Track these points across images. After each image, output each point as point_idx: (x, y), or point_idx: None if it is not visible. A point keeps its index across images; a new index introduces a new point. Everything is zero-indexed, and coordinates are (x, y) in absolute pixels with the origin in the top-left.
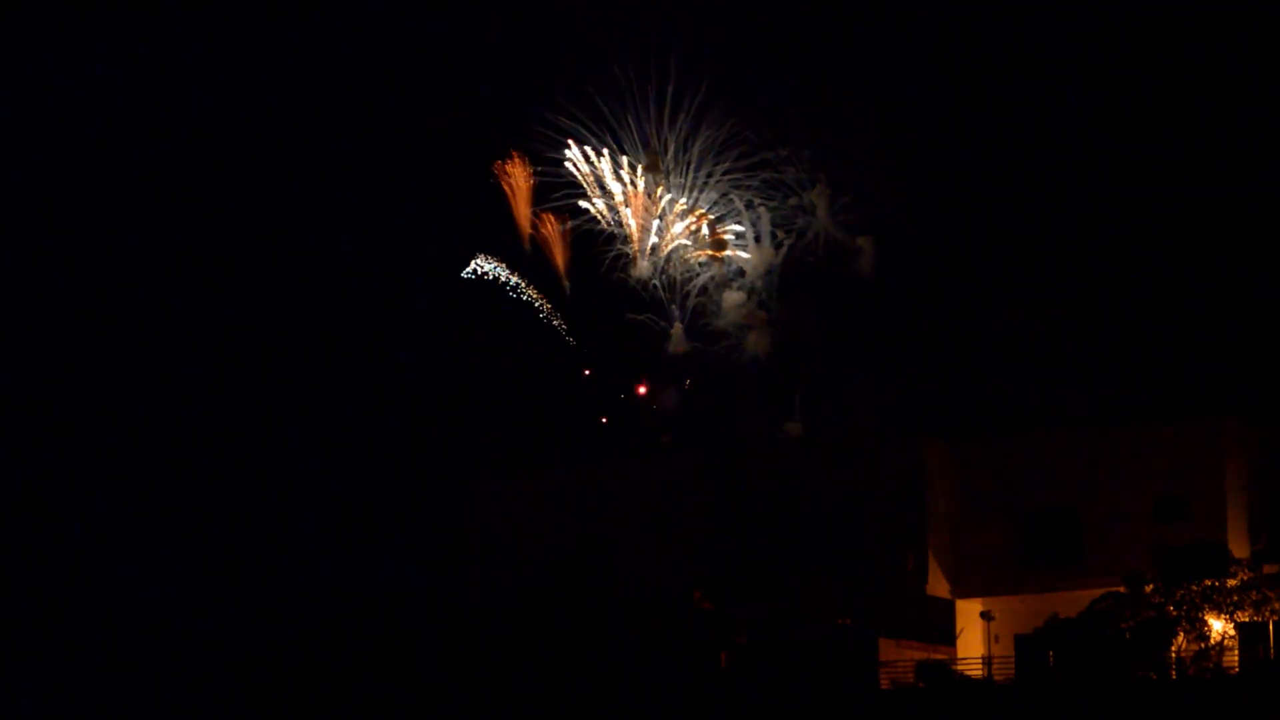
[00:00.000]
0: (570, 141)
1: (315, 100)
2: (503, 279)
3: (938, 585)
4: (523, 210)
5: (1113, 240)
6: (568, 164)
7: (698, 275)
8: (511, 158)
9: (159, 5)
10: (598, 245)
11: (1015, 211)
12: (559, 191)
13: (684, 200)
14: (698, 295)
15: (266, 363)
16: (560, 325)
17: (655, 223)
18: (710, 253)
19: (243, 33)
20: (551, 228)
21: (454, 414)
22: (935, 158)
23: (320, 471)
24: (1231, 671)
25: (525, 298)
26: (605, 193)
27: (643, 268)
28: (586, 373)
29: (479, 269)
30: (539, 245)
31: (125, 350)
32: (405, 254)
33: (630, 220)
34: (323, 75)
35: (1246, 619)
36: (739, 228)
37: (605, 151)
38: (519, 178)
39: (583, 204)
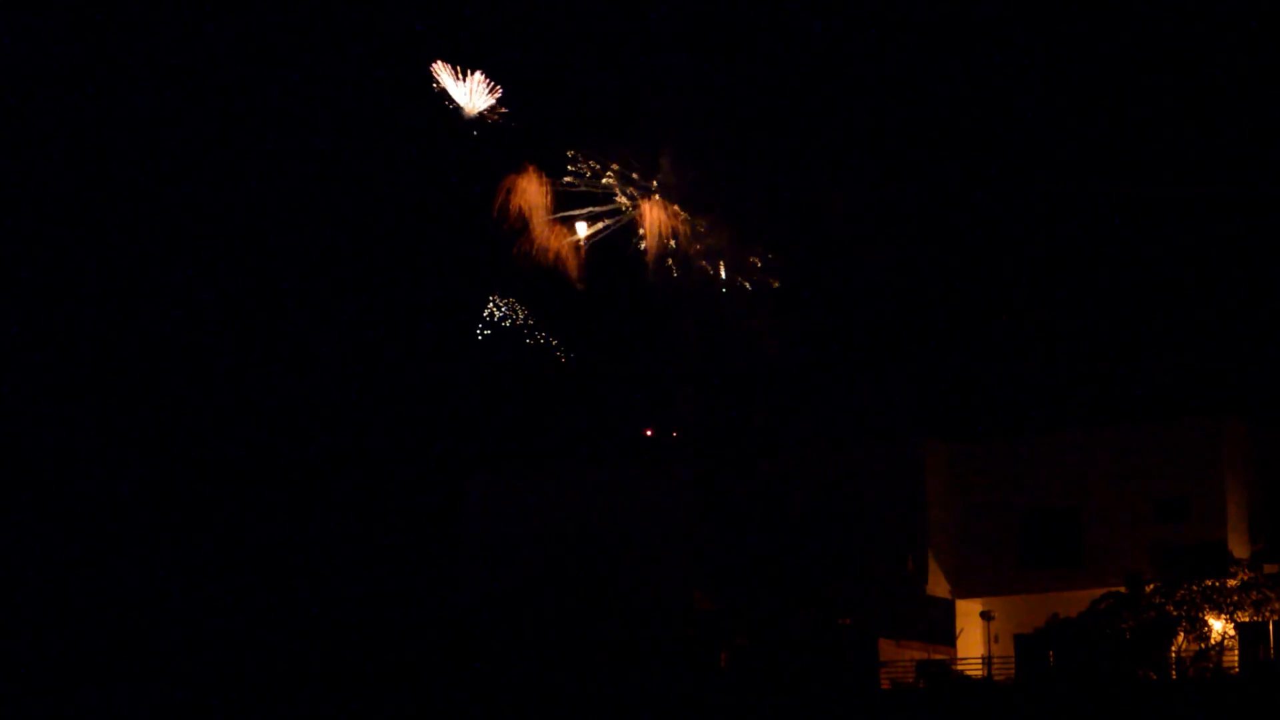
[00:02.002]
0: (578, 154)
1: (318, 102)
2: (515, 322)
3: (938, 585)
4: (537, 223)
5: (1112, 240)
6: (570, 179)
7: (711, 284)
8: (525, 170)
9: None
10: (612, 253)
11: (1015, 211)
12: (573, 202)
13: (702, 220)
14: (710, 301)
15: (267, 363)
16: (569, 360)
17: (671, 241)
18: (732, 275)
19: (244, 47)
20: (565, 239)
21: (454, 414)
22: (936, 158)
23: (320, 471)
24: (1231, 671)
25: (539, 340)
26: (617, 203)
27: (657, 274)
28: (648, 432)
29: (494, 312)
30: (552, 256)
31: (133, 352)
32: (413, 259)
33: (645, 233)
34: (323, 81)
35: (1246, 619)
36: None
37: (616, 166)
38: (533, 191)
39: (582, 225)
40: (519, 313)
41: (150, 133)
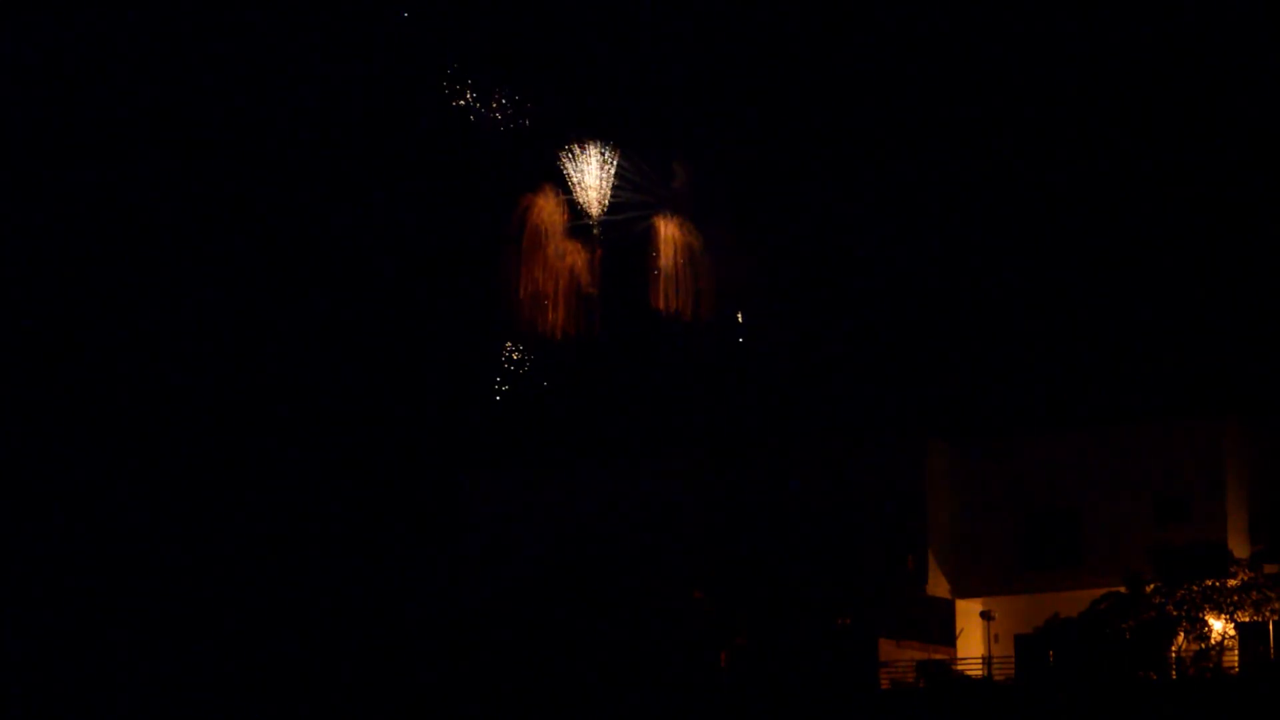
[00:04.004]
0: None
1: (327, 106)
2: (526, 367)
3: (938, 585)
4: (553, 241)
5: (1112, 240)
6: (578, 192)
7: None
8: (542, 188)
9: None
10: (625, 264)
11: (1015, 211)
12: (585, 217)
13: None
14: (716, 308)
15: (269, 363)
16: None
17: (684, 259)
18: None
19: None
20: (580, 256)
21: (456, 414)
22: (938, 158)
23: (321, 472)
24: (1231, 671)
25: (548, 382)
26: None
27: (669, 284)
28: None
29: (509, 358)
30: (568, 268)
31: (130, 352)
32: (423, 266)
33: (660, 247)
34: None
35: (1246, 619)
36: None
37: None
38: (550, 209)
39: (597, 231)
40: (530, 358)
41: (162, 151)
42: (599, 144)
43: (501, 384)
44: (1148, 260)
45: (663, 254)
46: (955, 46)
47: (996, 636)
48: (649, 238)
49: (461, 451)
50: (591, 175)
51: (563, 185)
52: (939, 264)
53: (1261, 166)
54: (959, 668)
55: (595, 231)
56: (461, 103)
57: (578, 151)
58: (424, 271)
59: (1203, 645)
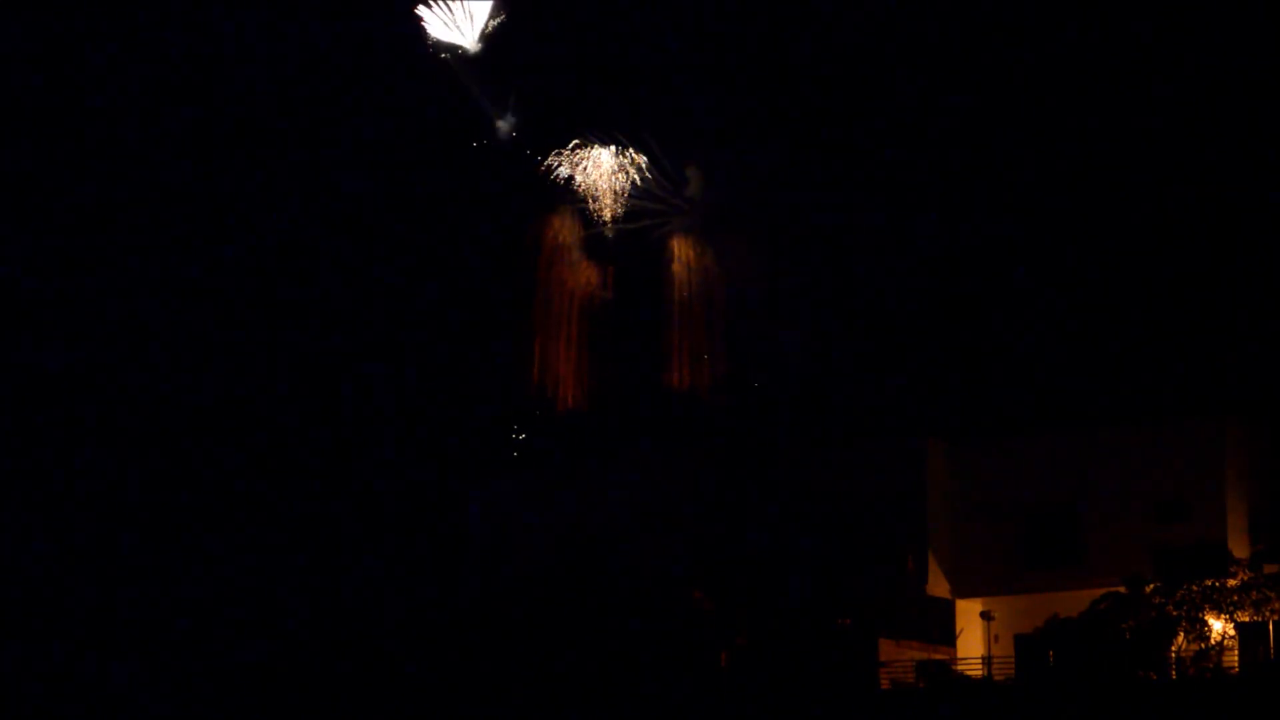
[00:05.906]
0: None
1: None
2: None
3: (938, 585)
4: (570, 260)
5: (1112, 239)
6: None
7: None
8: (558, 208)
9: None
10: (637, 273)
11: (1015, 211)
12: (599, 222)
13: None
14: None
15: (270, 365)
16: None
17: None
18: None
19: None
20: (594, 275)
21: (459, 414)
22: (938, 157)
23: (322, 474)
24: (1231, 671)
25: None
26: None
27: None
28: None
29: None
30: (583, 283)
31: (133, 360)
32: (432, 274)
33: (675, 264)
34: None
35: (1246, 619)
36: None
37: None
38: (566, 230)
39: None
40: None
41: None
42: (614, 145)
43: (519, 434)
44: (1148, 260)
45: (677, 283)
46: (956, 52)
47: (996, 636)
48: (662, 251)
49: (465, 452)
50: (605, 179)
51: (576, 194)
52: (939, 265)
53: (1261, 166)
54: (959, 668)
55: (607, 234)
56: (479, 145)
57: (591, 152)
58: (441, 292)
59: (1203, 645)
